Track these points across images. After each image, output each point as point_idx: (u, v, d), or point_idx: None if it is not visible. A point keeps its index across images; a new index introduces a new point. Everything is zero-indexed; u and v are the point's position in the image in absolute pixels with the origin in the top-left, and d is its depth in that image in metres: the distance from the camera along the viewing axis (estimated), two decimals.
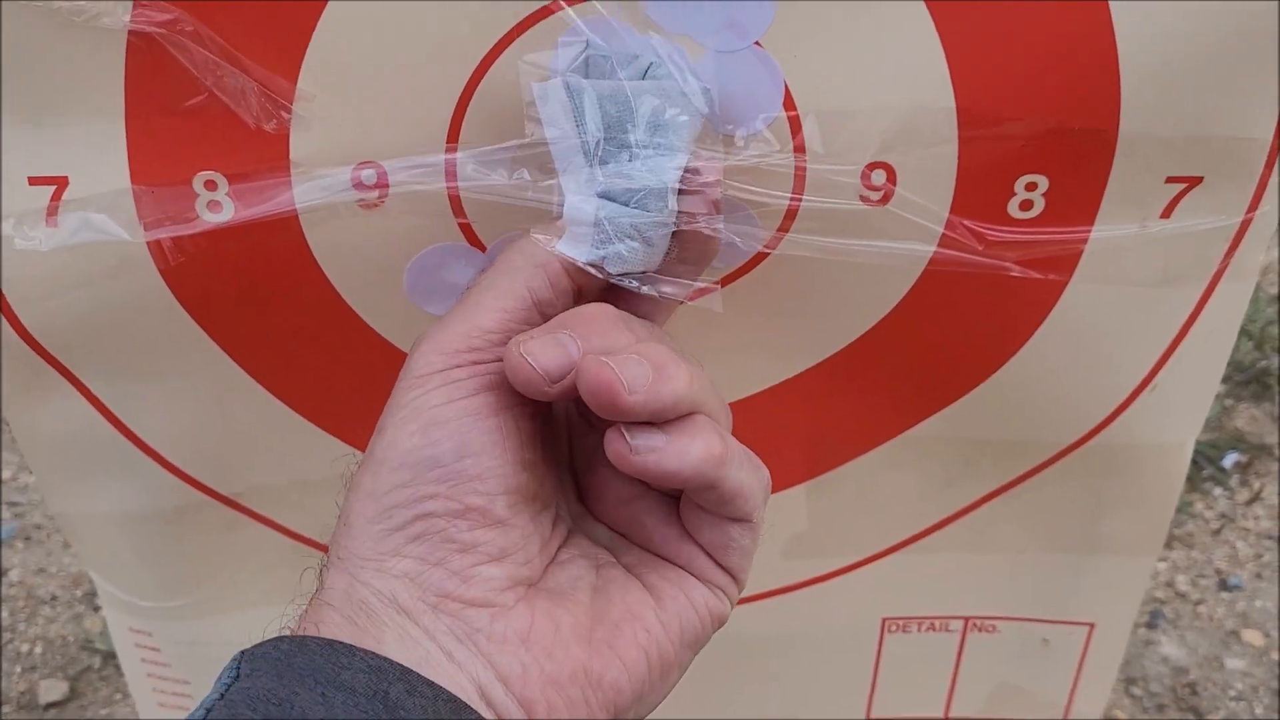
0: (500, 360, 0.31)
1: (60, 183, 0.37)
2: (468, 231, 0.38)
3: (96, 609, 1.19)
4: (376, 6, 0.34)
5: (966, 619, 0.53)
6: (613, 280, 0.34)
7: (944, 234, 0.37)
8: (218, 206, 0.37)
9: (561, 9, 0.33)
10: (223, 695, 0.27)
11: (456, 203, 0.37)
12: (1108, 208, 0.38)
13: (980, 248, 0.38)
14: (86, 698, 1.12)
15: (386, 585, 0.29)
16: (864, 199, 0.37)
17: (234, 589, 0.49)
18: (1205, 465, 1.30)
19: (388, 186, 0.36)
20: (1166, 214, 0.38)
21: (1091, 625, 0.53)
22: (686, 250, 0.35)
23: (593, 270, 0.33)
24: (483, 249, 0.39)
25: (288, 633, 0.29)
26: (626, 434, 0.29)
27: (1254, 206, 0.38)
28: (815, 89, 0.35)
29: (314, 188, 0.36)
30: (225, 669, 0.28)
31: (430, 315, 0.40)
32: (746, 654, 0.54)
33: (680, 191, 0.34)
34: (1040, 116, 0.35)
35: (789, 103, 0.35)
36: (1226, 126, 0.36)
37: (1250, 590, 1.18)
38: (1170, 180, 0.37)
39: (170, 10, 0.34)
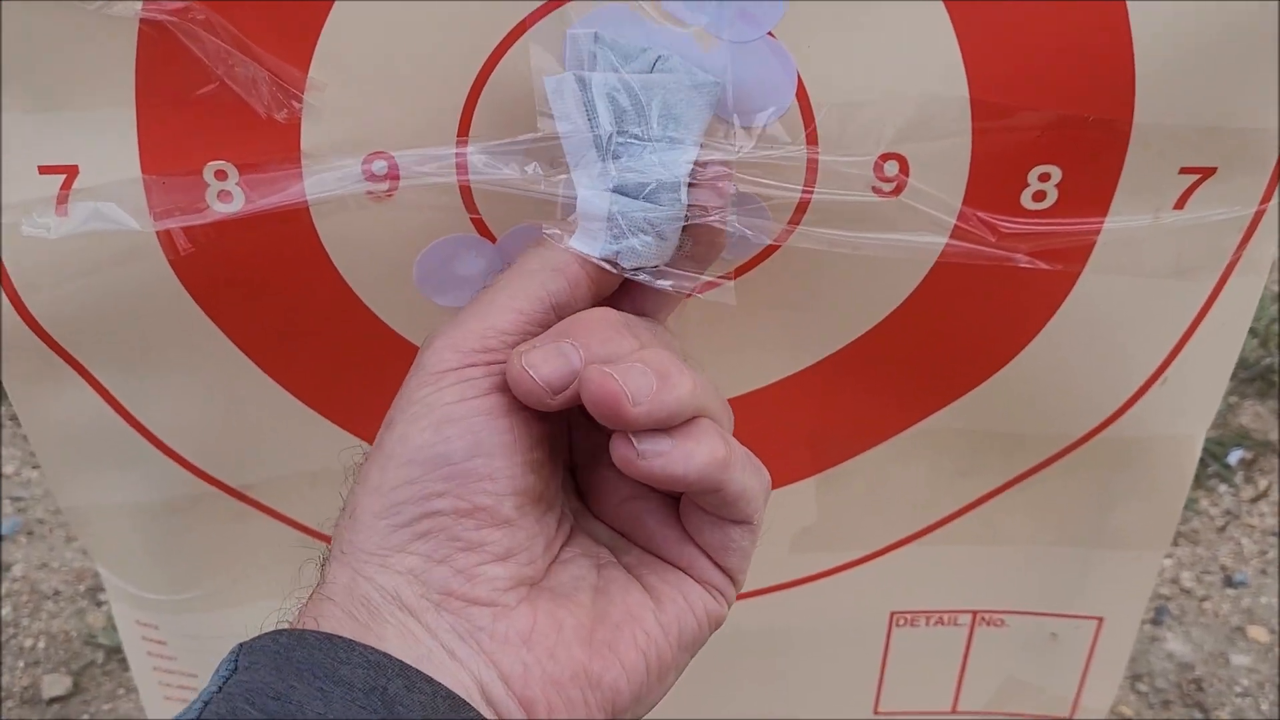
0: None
1: (70, 171, 0.36)
2: (478, 224, 0.38)
3: (99, 604, 1.19)
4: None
5: (975, 613, 0.53)
6: (626, 275, 0.34)
7: (956, 225, 0.37)
8: (228, 196, 0.36)
9: (572, 1, 0.33)
10: (220, 688, 0.26)
11: (467, 195, 0.37)
12: (1121, 199, 0.37)
13: (993, 239, 0.37)
14: (89, 693, 1.12)
15: (390, 581, 0.29)
16: (876, 190, 0.36)
17: (242, 582, 0.49)
18: (1210, 462, 1.30)
19: (398, 178, 0.36)
20: (1180, 205, 0.38)
21: (1100, 619, 0.53)
22: (697, 244, 0.35)
23: (607, 266, 0.33)
24: (493, 240, 0.38)
25: (286, 625, 0.29)
26: (634, 439, 0.29)
27: (1268, 198, 0.38)
28: (828, 80, 0.35)
29: (325, 178, 0.36)
30: (223, 661, 0.28)
31: (439, 307, 0.40)
32: (754, 648, 0.54)
33: (691, 184, 0.34)
34: (1054, 107, 0.35)
35: (802, 94, 0.35)
36: (1241, 117, 0.36)
37: (1256, 586, 1.18)
38: (1184, 171, 0.37)
39: None
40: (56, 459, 0.46)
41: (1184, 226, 0.38)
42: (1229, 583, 1.18)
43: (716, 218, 0.35)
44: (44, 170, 0.36)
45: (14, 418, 1.37)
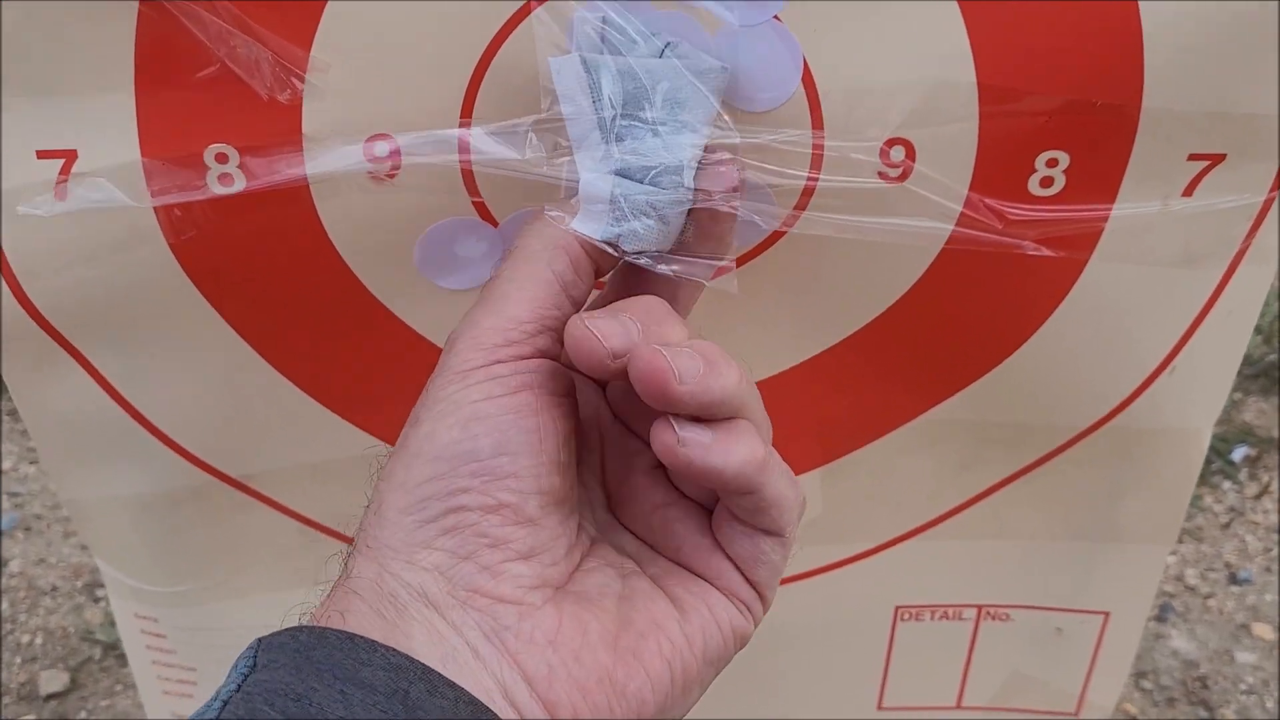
0: (538, 356, 0.31)
1: (69, 156, 0.36)
2: (480, 206, 0.38)
3: (97, 600, 1.19)
4: None
5: (980, 607, 0.53)
6: (627, 258, 0.33)
7: (963, 212, 0.37)
8: (229, 179, 0.36)
9: None
10: (239, 686, 0.26)
11: (469, 177, 0.37)
12: (1129, 185, 0.37)
13: (1000, 225, 0.37)
14: (87, 689, 1.12)
15: (416, 578, 0.29)
16: (883, 175, 0.36)
17: (242, 573, 0.49)
18: (1214, 459, 1.30)
19: (400, 159, 0.36)
20: (1188, 192, 0.37)
21: (1106, 614, 0.53)
22: (701, 229, 0.35)
23: (608, 248, 0.33)
24: (495, 224, 0.38)
25: (307, 620, 0.29)
26: (675, 425, 0.29)
27: (1278, 185, 0.37)
28: (834, 64, 0.34)
29: (326, 159, 0.36)
30: (241, 657, 0.27)
31: (442, 293, 0.40)
32: (757, 643, 0.53)
33: (696, 169, 0.33)
34: (1062, 92, 0.35)
35: (808, 78, 0.34)
36: (1250, 103, 0.35)
37: (1260, 584, 1.17)
38: (1193, 157, 0.37)
39: None
40: (56, 450, 0.46)
41: (1192, 214, 0.38)
42: (1233, 580, 1.18)
43: (722, 202, 0.34)
44: (42, 155, 0.36)
45: (12, 412, 1.37)
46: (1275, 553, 1.21)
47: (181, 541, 0.48)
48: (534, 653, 0.29)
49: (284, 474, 0.46)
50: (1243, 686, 1.07)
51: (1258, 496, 1.27)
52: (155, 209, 0.37)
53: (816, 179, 0.36)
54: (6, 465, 1.33)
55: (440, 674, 0.27)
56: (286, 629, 0.28)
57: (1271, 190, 0.38)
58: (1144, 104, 0.35)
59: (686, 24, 0.34)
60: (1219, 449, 1.30)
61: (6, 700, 1.10)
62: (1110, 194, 0.37)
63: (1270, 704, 1.05)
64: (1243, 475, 1.30)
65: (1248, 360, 1.37)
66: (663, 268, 0.34)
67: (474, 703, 0.27)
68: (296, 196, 0.37)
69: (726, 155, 0.34)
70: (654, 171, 0.33)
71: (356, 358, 0.42)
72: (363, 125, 0.36)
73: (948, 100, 0.35)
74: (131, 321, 0.40)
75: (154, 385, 0.43)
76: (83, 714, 1.10)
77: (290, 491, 0.46)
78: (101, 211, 0.36)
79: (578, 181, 0.33)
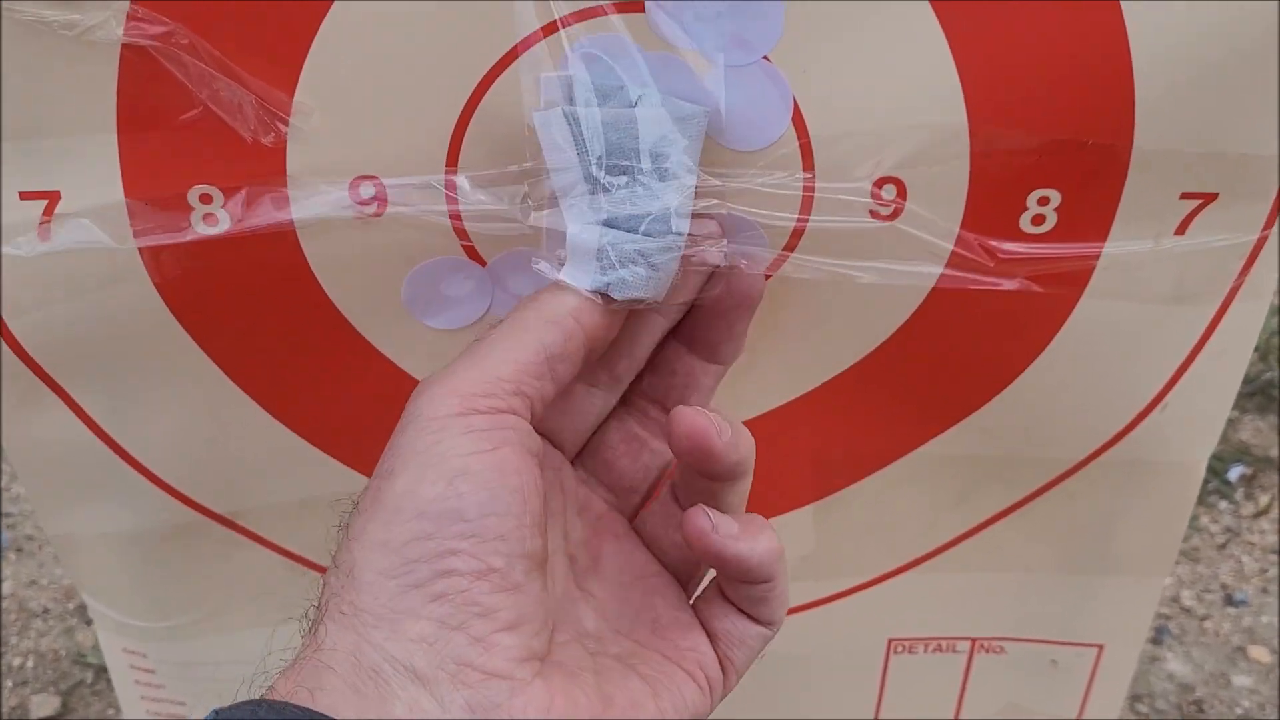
0: (514, 414, 0.30)
1: (52, 197, 0.36)
2: (467, 247, 0.37)
3: (89, 622, 1.18)
4: (374, 22, 0.33)
5: (974, 640, 0.53)
6: (618, 306, 0.33)
7: (955, 250, 0.37)
8: (213, 220, 0.36)
9: (564, 27, 0.33)
10: None
11: (456, 218, 0.36)
12: (1121, 223, 0.37)
13: (991, 263, 0.37)
14: (78, 713, 1.11)
15: (402, 650, 0.27)
16: (874, 214, 0.36)
17: (230, 609, 0.49)
18: (1210, 478, 1.30)
19: (386, 200, 0.36)
20: (1181, 230, 0.37)
21: (1100, 646, 0.53)
22: (686, 275, 0.35)
23: (596, 298, 0.33)
24: (483, 263, 0.38)
25: (270, 687, 0.27)
26: (710, 514, 0.31)
27: (1270, 224, 0.37)
28: (825, 104, 0.34)
29: (311, 201, 0.36)
30: None
31: (429, 332, 0.39)
32: (750, 676, 0.53)
33: (683, 215, 0.33)
34: (1054, 131, 0.35)
35: (798, 118, 0.34)
36: (1242, 143, 0.35)
37: (1256, 606, 1.17)
38: (1185, 196, 0.36)
39: (165, 22, 0.33)
40: (42, 487, 0.45)
41: (1185, 252, 0.37)
42: (1229, 601, 1.17)
43: (711, 247, 0.34)
44: (25, 196, 0.36)
45: None
46: (1272, 574, 1.20)
47: (168, 577, 0.48)
48: None
49: (271, 510, 0.45)
50: (1239, 710, 1.06)
51: (1254, 516, 1.26)
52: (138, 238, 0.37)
53: (807, 219, 0.36)
54: None
55: None
56: (245, 702, 0.26)
57: (1265, 229, 0.37)
58: (1136, 143, 0.35)
59: (675, 66, 0.34)
60: (1215, 468, 1.30)
61: None
62: (1102, 232, 0.37)
63: None
64: (1239, 495, 1.29)
65: (1244, 379, 1.36)
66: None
67: None
68: (281, 235, 0.36)
69: (714, 200, 0.34)
70: (640, 219, 0.33)
71: (343, 395, 0.42)
72: (347, 167, 0.35)
73: (939, 140, 0.35)
74: (116, 358, 0.40)
75: (139, 422, 0.42)
76: None
77: (277, 528, 0.46)
78: (86, 249, 0.36)
79: (563, 231, 0.33)
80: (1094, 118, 0.34)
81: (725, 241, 0.35)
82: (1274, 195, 0.37)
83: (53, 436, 0.42)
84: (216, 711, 0.26)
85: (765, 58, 0.34)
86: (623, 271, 0.33)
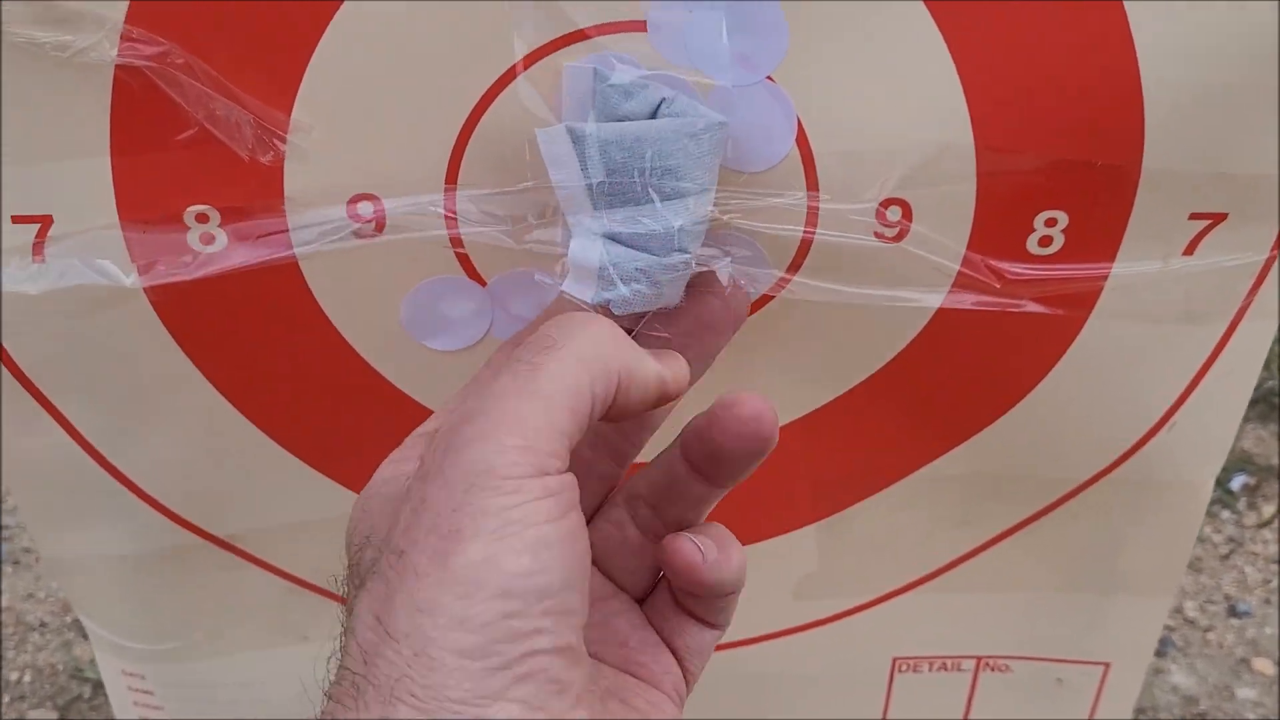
0: (570, 471, 0.27)
1: (44, 221, 0.36)
2: (465, 263, 0.37)
3: (87, 636, 1.17)
4: (373, 41, 0.33)
5: (979, 658, 0.52)
6: (615, 317, 0.33)
7: (961, 271, 0.36)
8: (210, 239, 0.36)
9: (564, 47, 0.32)
10: None
11: (455, 238, 0.36)
12: (1129, 244, 0.37)
13: (998, 285, 0.37)
14: None
15: None
16: (879, 235, 0.36)
17: (228, 631, 0.48)
18: (1212, 488, 1.29)
19: (385, 219, 0.35)
20: (1189, 251, 0.37)
21: (1107, 665, 0.52)
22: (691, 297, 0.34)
23: (598, 311, 0.32)
24: (482, 282, 0.37)
25: None
26: (699, 544, 0.31)
27: (1279, 244, 0.37)
28: (829, 125, 0.34)
29: (309, 221, 0.36)
30: None
31: (428, 352, 0.39)
32: (755, 695, 0.53)
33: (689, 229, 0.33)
34: (1061, 153, 0.34)
35: (802, 139, 0.34)
36: (1251, 163, 0.35)
37: (1260, 617, 1.16)
38: (1194, 217, 0.36)
39: (160, 42, 0.33)
40: (37, 509, 0.45)
41: (1194, 272, 0.37)
42: (1233, 612, 1.17)
43: (713, 265, 0.34)
44: (17, 220, 0.35)
45: None
46: (1275, 584, 1.20)
47: (166, 600, 0.47)
48: None
49: (269, 533, 0.45)
50: None
51: (1258, 527, 1.26)
52: (137, 261, 0.36)
53: (812, 238, 0.35)
54: None
55: None
56: None
57: (1273, 249, 0.37)
58: (1144, 164, 0.35)
59: (679, 86, 0.33)
60: (1217, 478, 1.29)
61: None
62: (1110, 253, 0.37)
63: None
64: (1241, 504, 1.29)
65: None
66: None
67: None
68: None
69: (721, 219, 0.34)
70: (643, 237, 0.32)
71: (341, 416, 0.42)
72: (346, 186, 0.35)
73: (945, 161, 0.34)
74: (113, 378, 0.40)
75: (136, 443, 0.42)
76: None
77: (276, 550, 0.46)
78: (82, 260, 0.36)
79: (565, 248, 0.33)
80: (1102, 138, 0.34)
81: (729, 260, 0.35)
82: None
83: (47, 457, 0.42)
84: None
85: (769, 78, 0.33)
86: (624, 289, 0.32)
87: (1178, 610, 1.17)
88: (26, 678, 1.14)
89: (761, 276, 0.35)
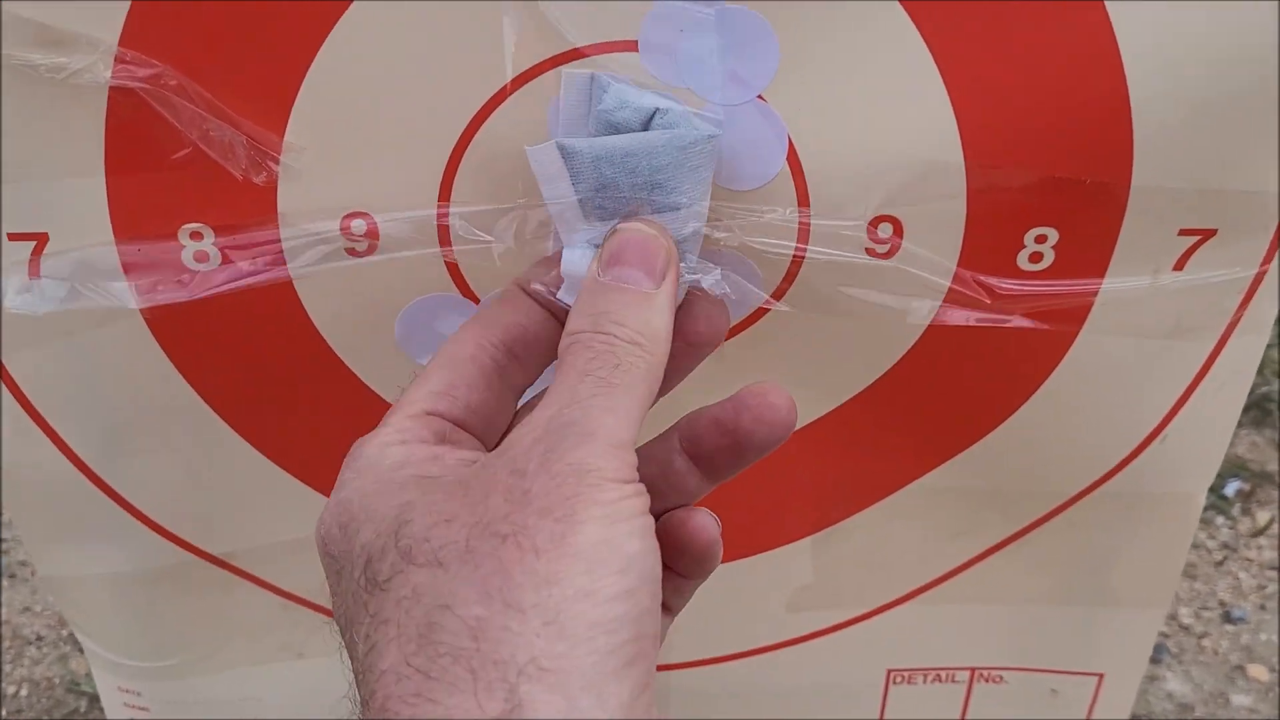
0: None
1: (40, 239, 0.36)
2: (459, 280, 0.37)
3: (83, 650, 1.17)
4: (366, 60, 0.33)
5: (973, 670, 0.52)
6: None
7: (952, 287, 0.37)
8: (204, 256, 0.36)
9: (555, 67, 0.33)
10: None
11: (449, 255, 0.36)
12: (1119, 260, 0.37)
13: (989, 301, 0.37)
14: None
15: None
16: (870, 252, 0.36)
17: (224, 649, 0.48)
18: (1206, 494, 1.29)
19: (378, 237, 0.35)
20: (1179, 266, 0.37)
21: (1100, 675, 0.53)
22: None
23: None
24: (475, 299, 0.38)
25: None
26: (714, 518, 0.33)
27: (1269, 259, 0.37)
28: (820, 143, 0.34)
29: (303, 239, 0.36)
30: None
31: (422, 367, 0.39)
32: (750, 708, 0.53)
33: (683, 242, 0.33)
34: (1051, 170, 0.34)
35: (793, 157, 0.34)
36: (1240, 179, 0.35)
37: (1254, 623, 1.17)
38: (1183, 233, 0.36)
39: (154, 64, 0.33)
40: (33, 527, 0.45)
41: (1183, 287, 0.37)
42: (1228, 619, 1.17)
43: (704, 280, 0.34)
44: (13, 237, 0.36)
45: None
46: (1270, 590, 1.20)
47: (162, 618, 0.47)
48: None
49: (264, 550, 0.45)
50: None
51: (1252, 534, 1.26)
52: (130, 278, 0.37)
53: (804, 255, 0.36)
54: None
55: None
56: None
57: (1263, 264, 0.37)
58: (1133, 181, 0.35)
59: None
60: (1211, 484, 1.30)
61: None
62: (1100, 269, 0.37)
63: None
64: (1235, 510, 1.29)
65: None
66: None
67: None
68: (272, 269, 0.36)
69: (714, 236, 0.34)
70: None
71: (337, 434, 0.41)
72: (339, 205, 0.35)
73: (935, 179, 0.35)
74: (108, 397, 0.40)
75: (130, 462, 0.42)
76: None
77: (271, 567, 0.46)
78: (79, 281, 0.36)
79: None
80: (1092, 156, 0.34)
81: (718, 271, 0.35)
82: (1273, 230, 0.36)
83: (42, 475, 0.42)
84: None
85: (760, 96, 0.33)
86: None
87: (1173, 617, 1.17)
88: (23, 691, 1.14)
89: (752, 292, 0.35)
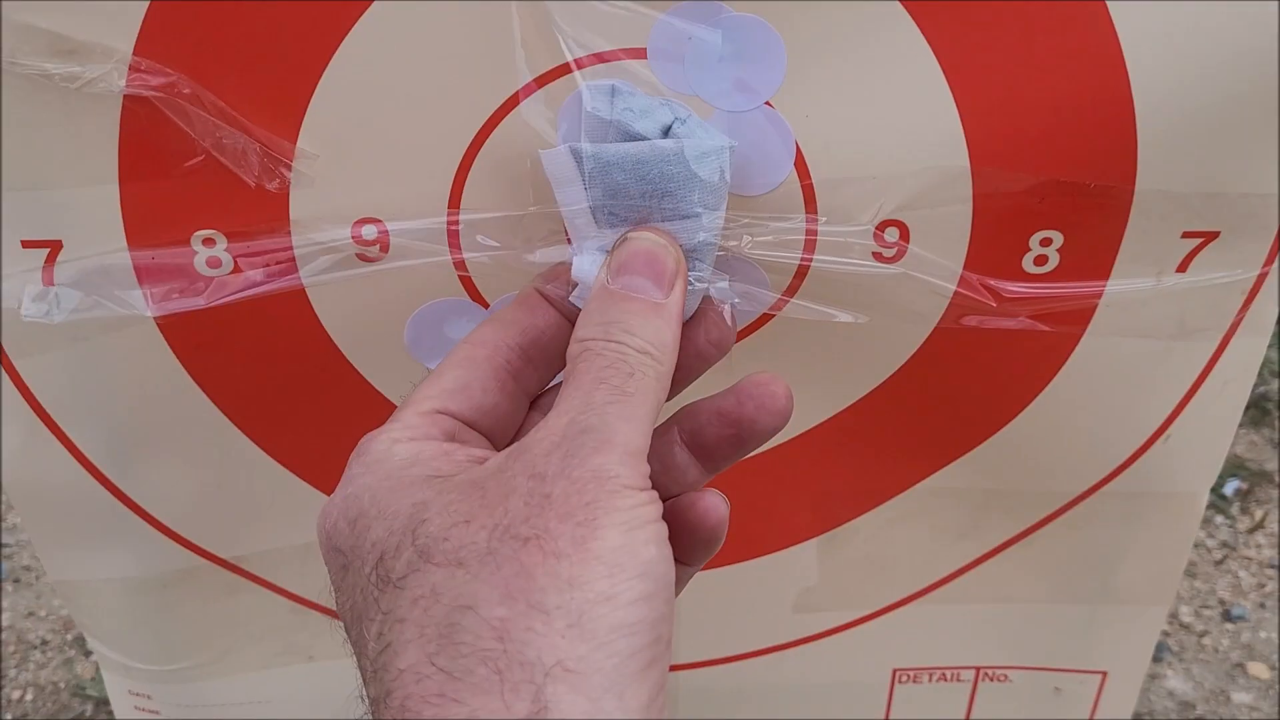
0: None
1: (54, 246, 0.36)
2: (469, 285, 0.37)
3: (88, 654, 1.17)
4: (377, 69, 0.33)
5: (978, 668, 0.53)
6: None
7: (958, 291, 0.37)
8: (217, 262, 0.36)
9: (564, 75, 0.33)
10: None
11: (459, 261, 0.36)
12: (1123, 262, 0.37)
13: (994, 303, 0.37)
14: None
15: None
16: (877, 256, 0.36)
17: (234, 652, 0.49)
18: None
19: (389, 243, 0.36)
20: (1183, 268, 0.37)
21: (1104, 674, 0.53)
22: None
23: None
24: (485, 304, 0.38)
25: None
26: (722, 499, 0.32)
27: (1271, 260, 0.37)
28: (827, 150, 0.34)
29: (314, 245, 0.36)
30: None
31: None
32: (758, 707, 0.53)
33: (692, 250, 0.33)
34: (1056, 174, 0.35)
35: (800, 163, 0.34)
36: (1243, 182, 0.35)
37: (1254, 621, 1.17)
38: (1186, 235, 0.37)
39: (167, 73, 0.33)
40: (45, 532, 0.45)
41: (1186, 289, 0.38)
42: (1228, 617, 1.17)
43: (711, 286, 0.34)
44: (27, 245, 0.36)
45: None
46: (1270, 588, 1.20)
47: (173, 622, 0.47)
48: None
49: (275, 554, 0.45)
50: None
51: (1251, 531, 1.26)
52: (144, 285, 0.37)
53: (810, 260, 0.36)
54: None
55: None
56: None
57: (1265, 265, 0.38)
58: (1137, 185, 0.35)
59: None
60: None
61: None
62: (1104, 271, 0.37)
63: None
64: (1235, 509, 1.29)
65: None
66: None
67: None
68: (283, 275, 0.36)
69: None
70: None
71: (347, 438, 0.42)
72: (351, 211, 0.35)
73: (942, 184, 0.35)
74: (119, 401, 0.40)
75: (142, 468, 0.42)
76: None
77: (281, 571, 0.46)
78: (93, 289, 0.36)
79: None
80: (1096, 160, 0.35)
81: (728, 280, 0.35)
82: (1275, 232, 0.37)
83: (53, 480, 0.42)
84: None
85: (768, 103, 0.34)
86: None
87: (1173, 615, 1.17)
88: (28, 696, 1.14)
89: (761, 297, 0.36)
